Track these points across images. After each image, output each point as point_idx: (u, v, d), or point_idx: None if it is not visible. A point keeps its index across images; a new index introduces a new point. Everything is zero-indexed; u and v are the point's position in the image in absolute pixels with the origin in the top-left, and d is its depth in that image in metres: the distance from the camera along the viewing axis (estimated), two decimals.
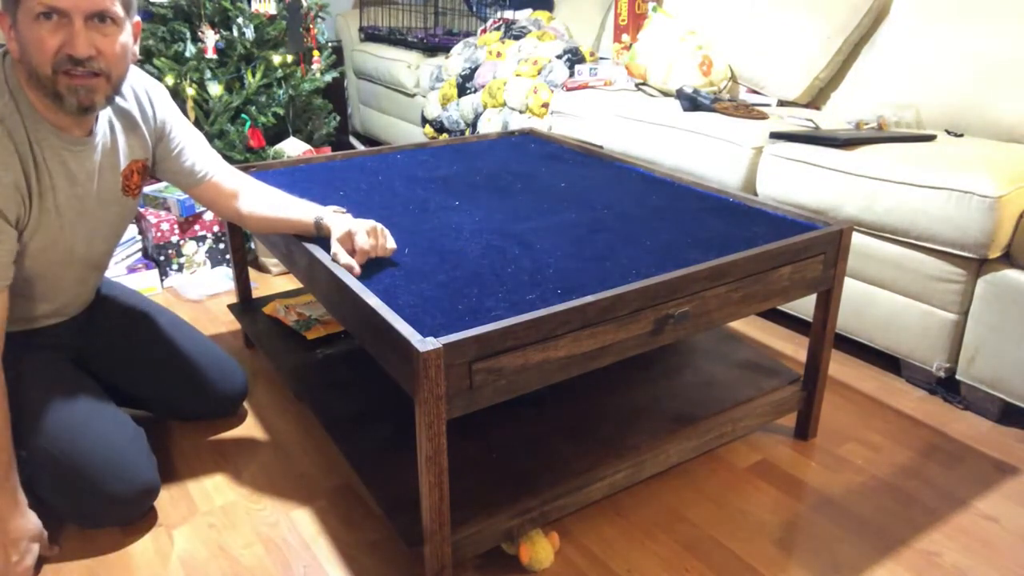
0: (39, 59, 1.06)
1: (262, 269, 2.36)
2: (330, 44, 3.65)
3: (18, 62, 1.10)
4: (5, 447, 1.12)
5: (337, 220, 1.24)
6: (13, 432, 1.17)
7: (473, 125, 2.88)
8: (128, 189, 1.31)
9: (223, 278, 2.25)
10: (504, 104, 2.73)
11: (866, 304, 1.74)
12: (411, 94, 3.35)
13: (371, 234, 1.21)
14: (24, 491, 1.20)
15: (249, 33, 2.28)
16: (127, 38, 1.13)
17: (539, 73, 2.70)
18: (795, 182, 1.81)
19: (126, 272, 2.15)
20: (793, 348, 1.90)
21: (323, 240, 1.27)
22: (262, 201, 1.36)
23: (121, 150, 1.27)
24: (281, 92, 2.38)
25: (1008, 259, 1.51)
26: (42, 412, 1.21)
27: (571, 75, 2.64)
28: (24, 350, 1.26)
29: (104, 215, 1.28)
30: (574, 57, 2.71)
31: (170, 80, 2.19)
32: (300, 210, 1.30)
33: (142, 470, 1.25)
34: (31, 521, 1.16)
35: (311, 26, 2.49)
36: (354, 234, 1.20)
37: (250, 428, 1.56)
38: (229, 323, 2.00)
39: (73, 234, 1.23)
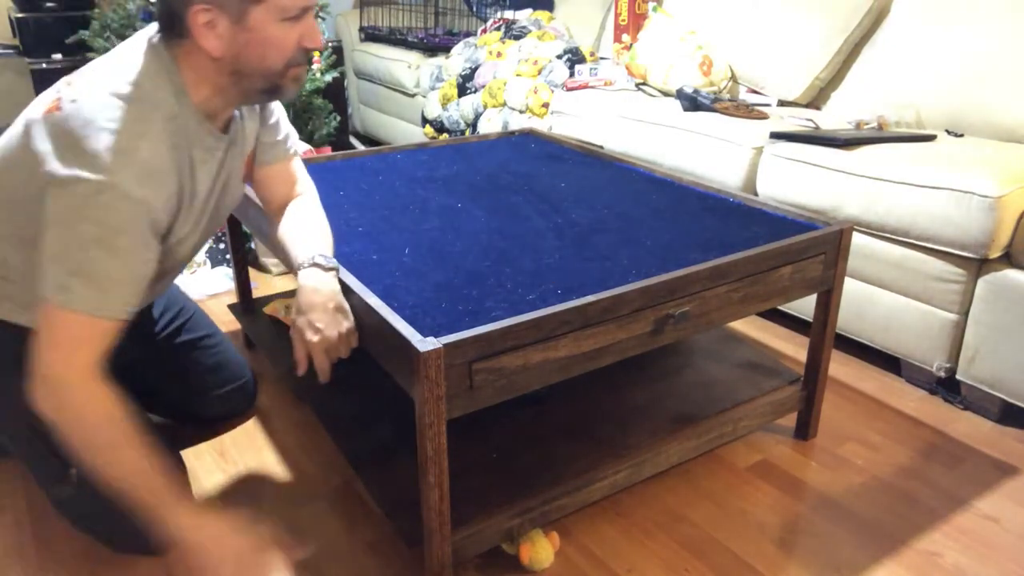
0: (277, 57, 1.03)
1: (262, 269, 2.36)
2: (330, 44, 3.65)
3: (216, 60, 1.02)
4: (157, 474, 0.99)
5: (301, 288, 1.08)
6: (64, 450, 1.15)
7: (473, 125, 2.88)
8: (246, 176, 1.27)
9: (223, 278, 2.25)
10: (504, 104, 2.73)
11: (866, 304, 1.74)
12: (411, 94, 3.35)
13: (314, 330, 1.05)
14: (58, 510, 1.20)
15: None
16: None
17: (539, 73, 2.70)
18: (795, 182, 1.81)
19: None
20: (793, 348, 1.90)
21: None
22: (291, 216, 1.26)
23: (246, 138, 1.23)
24: None
25: (1008, 259, 1.51)
26: None
27: (571, 75, 2.64)
28: None
29: (224, 208, 1.24)
30: (574, 57, 2.71)
31: None
32: (299, 248, 1.17)
33: None
34: (248, 532, 1.01)
35: None
36: (300, 329, 1.06)
37: (250, 428, 1.56)
38: (229, 323, 2.00)
39: (200, 231, 1.18)
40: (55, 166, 0.94)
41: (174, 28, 1.02)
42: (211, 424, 1.57)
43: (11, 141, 1.06)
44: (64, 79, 1.03)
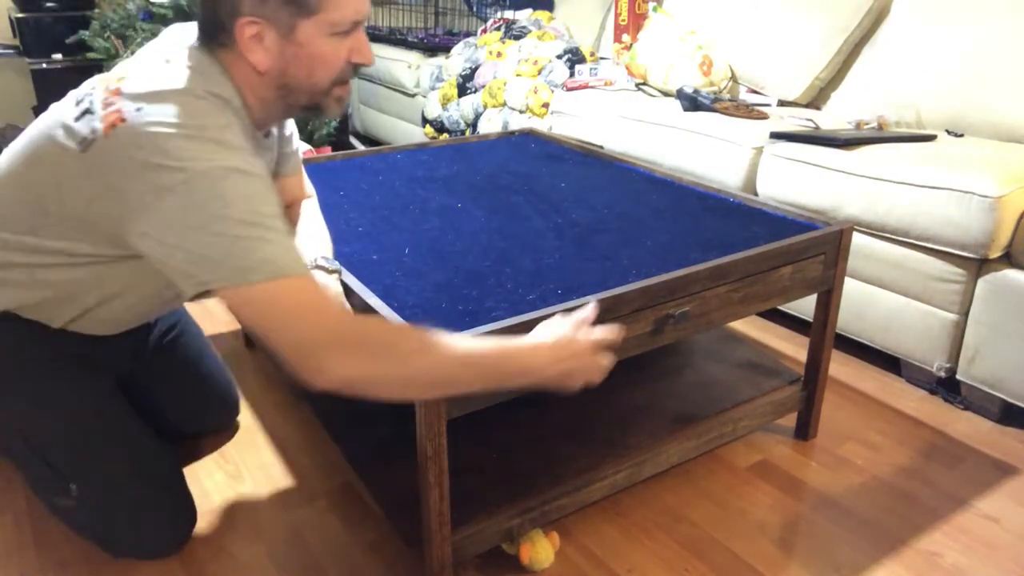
0: (325, 73, 1.00)
1: None
2: None
3: (261, 75, 0.99)
4: (477, 343, 0.93)
5: None
6: (66, 467, 1.14)
7: (473, 125, 2.88)
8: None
9: None
10: (504, 104, 2.74)
11: (866, 304, 1.74)
12: (411, 94, 3.35)
13: None
14: (57, 515, 1.21)
15: None
16: None
17: (539, 73, 2.70)
18: (795, 182, 1.81)
19: None
20: (793, 348, 1.90)
21: None
22: (293, 220, 1.26)
23: (274, 151, 1.22)
24: None
25: (1008, 259, 1.51)
26: (99, 452, 1.18)
27: (571, 75, 2.64)
28: (86, 374, 1.20)
29: None
30: (574, 57, 2.71)
31: None
32: (302, 250, 1.14)
33: (186, 513, 1.25)
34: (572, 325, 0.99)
35: None
36: None
37: (250, 428, 1.56)
38: (229, 323, 2.00)
39: None
40: (155, 173, 0.89)
41: (217, 37, 0.98)
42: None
43: (44, 158, 0.99)
44: (101, 88, 0.96)
